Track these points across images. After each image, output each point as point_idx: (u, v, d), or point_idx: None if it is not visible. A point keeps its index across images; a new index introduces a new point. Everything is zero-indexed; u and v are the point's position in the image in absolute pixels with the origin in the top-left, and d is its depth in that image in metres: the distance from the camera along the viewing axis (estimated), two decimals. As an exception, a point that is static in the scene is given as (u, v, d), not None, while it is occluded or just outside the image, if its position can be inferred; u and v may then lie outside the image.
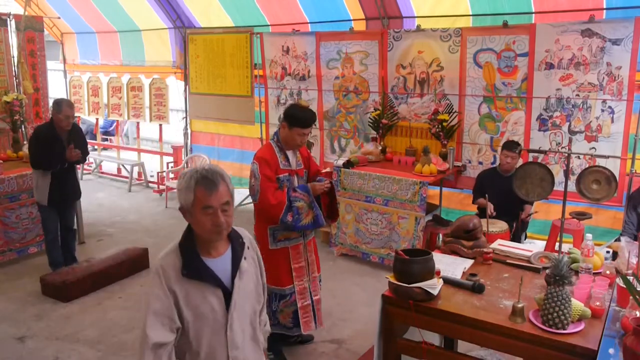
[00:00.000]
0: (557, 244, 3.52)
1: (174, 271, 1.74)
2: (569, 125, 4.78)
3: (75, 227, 5.15)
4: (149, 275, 1.74)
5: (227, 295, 1.79)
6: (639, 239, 2.82)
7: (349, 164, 5.28)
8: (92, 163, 9.39)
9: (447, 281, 2.61)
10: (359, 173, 5.19)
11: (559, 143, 4.84)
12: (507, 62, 4.96)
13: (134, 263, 5.01)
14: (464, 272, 2.76)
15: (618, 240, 3.87)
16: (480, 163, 5.32)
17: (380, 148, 5.66)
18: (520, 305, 2.25)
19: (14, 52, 6.67)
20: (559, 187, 3.88)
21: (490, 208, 4.11)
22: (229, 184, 1.77)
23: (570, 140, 3.84)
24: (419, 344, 2.48)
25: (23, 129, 6.32)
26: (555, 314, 2.15)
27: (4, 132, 6.31)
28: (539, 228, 5.24)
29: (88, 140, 4.98)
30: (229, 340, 1.80)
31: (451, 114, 5.32)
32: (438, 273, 2.56)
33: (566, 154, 3.38)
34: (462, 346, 3.20)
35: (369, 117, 5.83)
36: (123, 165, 8.83)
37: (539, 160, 4.74)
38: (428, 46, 5.37)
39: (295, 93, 6.47)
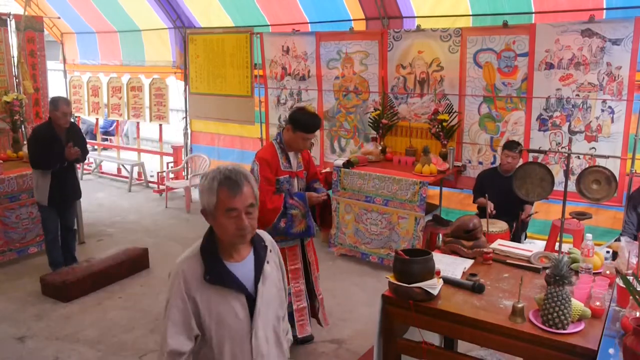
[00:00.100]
0: (557, 244, 3.52)
1: (195, 276, 1.67)
2: (569, 125, 4.78)
3: (75, 227, 5.15)
4: (169, 279, 1.71)
5: (250, 301, 1.71)
6: (639, 239, 2.82)
7: (349, 164, 5.28)
8: (92, 163, 9.39)
9: (447, 281, 2.61)
10: (359, 173, 5.19)
11: (559, 143, 4.84)
12: (507, 62, 4.96)
13: (134, 263, 5.01)
14: (464, 272, 2.76)
15: (618, 240, 3.87)
16: (480, 163, 5.32)
17: (380, 148, 5.66)
18: (520, 305, 2.25)
19: (14, 52, 6.67)
20: (559, 187, 3.88)
21: (490, 207, 4.11)
22: (253, 185, 1.69)
23: (570, 140, 3.85)
24: (419, 344, 2.48)
25: (23, 129, 6.32)
26: (555, 314, 2.14)
27: (4, 132, 6.31)
28: (539, 228, 5.24)
29: (88, 141, 4.98)
30: (254, 349, 1.72)
31: (451, 114, 5.32)
32: (438, 273, 2.56)
33: (566, 154, 3.38)
34: (462, 346, 3.20)
35: (369, 117, 5.83)
36: (123, 165, 8.83)
37: (539, 160, 4.74)
38: (428, 46, 5.37)
39: (295, 93, 6.47)
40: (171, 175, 8.02)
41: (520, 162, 4.52)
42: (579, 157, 4.73)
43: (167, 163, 8.09)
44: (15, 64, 6.66)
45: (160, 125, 8.15)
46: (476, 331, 2.31)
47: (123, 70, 8.60)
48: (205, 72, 7.29)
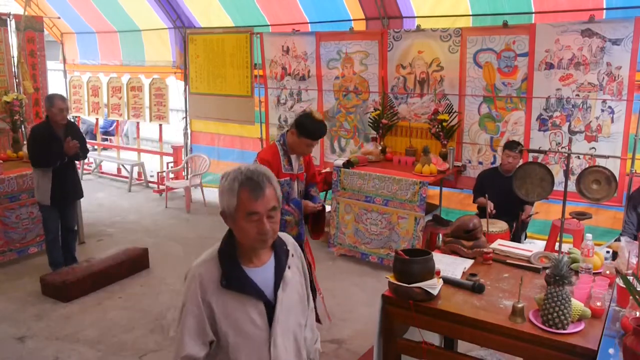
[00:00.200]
0: (557, 244, 3.52)
1: (212, 281, 1.59)
2: (569, 125, 4.78)
3: (76, 228, 5.15)
4: (185, 281, 1.66)
5: (269, 308, 1.63)
6: (639, 239, 2.82)
7: (349, 164, 5.28)
8: (92, 163, 9.39)
9: (447, 281, 2.61)
10: (359, 173, 5.19)
11: (559, 143, 4.84)
12: (507, 62, 4.96)
13: (134, 263, 5.01)
14: (464, 272, 2.76)
15: (618, 240, 3.87)
16: (480, 163, 5.32)
17: (380, 148, 5.66)
18: (520, 305, 2.25)
19: (14, 52, 6.67)
20: (559, 187, 3.88)
21: (490, 206, 4.11)
22: (276, 187, 1.60)
23: (570, 140, 3.85)
24: (419, 344, 2.48)
25: (23, 129, 6.32)
26: (555, 314, 2.15)
27: (4, 132, 6.31)
28: (539, 228, 5.24)
29: (88, 141, 4.97)
30: (273, 358, 1.63)
31: (451, 114, 5.32)
32: (438, 273, 2.56)
33: (566, 154, 3.38)
34: (462, 346, 3.20)
35: (369, 117, 5.83)
36: (123, 165, 8.83)
37: (539, 160, 4.74)
38: (428, 46, 5.37)
39: (295, 93, 6.47)
40: (171, 175, 8.02)
41: (521, 162, 4.52)
42: (579, 157, 4.73)
43: (167, 163, 8.09)
44: (15, 64, 6.66)
45: (160, 125, 8.15)
46: (476, 331, 2.31)
47: (123, 70, 8.60)
48: (205, 72, 7.29)
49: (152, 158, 8.85)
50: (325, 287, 4.06)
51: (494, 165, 5.10)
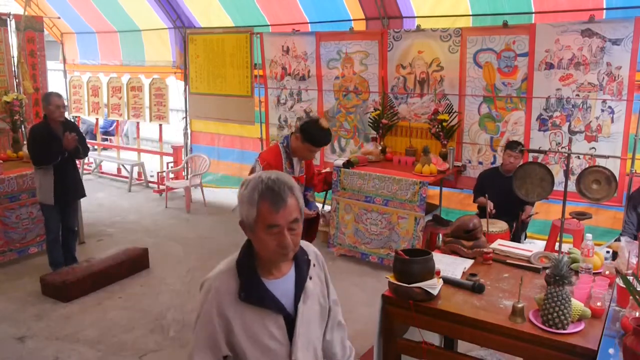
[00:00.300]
0: (557, 244, 3.52)
1: (229, 294, 1.52)
2: (569, 125, 4.79)
3: (76, 228, 5.15)
4: (200, 291, 1.62)
5: (289, 321, 1.56)
6: (639, 239, 2.82)
7: (349, 164, 5.28)
8: (92, 163, 9.39)
9: (447, 281, 2.61)
10: (359, 173, 5.19)
11: (559, 143, 4.84)
12: (507, 62, 4.96)
13: (134, 263, 5.01)
14: (464, 272, 2.76)
15: (618, 240, 3.87)
16: (480, 163, 5.32)
17: (380, 148, 5.66)
18: (520, 305, 2.25)
19: (14, 52, 6.67)
20: (559, 187, 3.88)
21: (490, 206, 4.11)
22: (298, 197, 1.51)
23: (570, 140, 3.85)
24: (419, 344, 2.48)
25: (23, 129, 6.32)
26: (555, 314, 2.15)
27: (4, 132, 6.31)
28: (539, 228, 5.24)
29: (88, 141, 4.97)
30: None
31: (451, 114, 5.32)
32: (438, 273, 2.56)
33: (566, 154, 3.38)
34: (462, 346, 3.20)
35: (369, 117, 5.83)
36: (123, 165, 8.83)
37: (539, 160, 4.74)
38: (428, 46, 5.37)
39: (295, 93, 6.47)
40: (171, 175, 8.02)
41: (521, 162, 4.52)
42: (579, 157, 4.73)
43: (167, 163, 8.09)
44: (15, 64, 6.66)
45: (160, 125, 8.15)
46: (476, 331, 2.31)
47: (123, 70, 8.60)
48: (205, 72, 7.29)
49: (152, 158, 8.85)
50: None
51: (494, 165, 5.10)
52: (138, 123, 8.61)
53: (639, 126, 4.45)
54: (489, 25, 5.13)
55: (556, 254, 2.95)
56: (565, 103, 4.77)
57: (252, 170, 3.30)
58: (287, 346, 1.56)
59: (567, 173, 3.36)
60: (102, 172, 9.25)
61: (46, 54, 7.13)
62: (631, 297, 1.99)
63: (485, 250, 2.94)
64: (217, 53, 7.06)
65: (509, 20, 4.90)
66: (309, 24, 6.39)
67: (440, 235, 4.79)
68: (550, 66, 4.76)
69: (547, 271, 2.28)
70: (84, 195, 4.99)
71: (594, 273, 2.63)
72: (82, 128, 10.08)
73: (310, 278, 1.63)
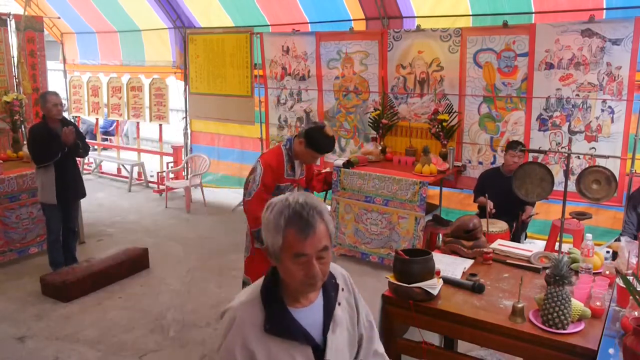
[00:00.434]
0: (557, 244, 3.52)
1: (254, 326, 1.41)
2: (569, 125, 4.79)
3: (77, 228, 5.16)
4: (221, 319, 1.49)
5: (318, 352, 1.46)
6: (639, 239, 2.82)
7: (349, 164, 5.28)
8: (92, 163, 9.40)
9: (447, 281, 2.61)
10: (359, 173, 5.19)
11: (559, 143, 4.84)
12: (507, 62, 4.96)
13: (134, 263, 5.01)
14: (464, 272, 2.76)
15: (618, 240, 3.87)
16: (480, 163, 5.32)
17: (380, 148, 5.66)
18: (520, 305, 2.25)
19: (14, 52, 6.67)
20: (559, 187, 3.87)
21: (490, 205, 4.11)
22: (328, 222, 1.40)
23: (570, 140, 3.84)
24: (419, 344, 2.48)
25: (23, 129, 6.32)
26: (555, 314, 2.15)
27: (4, 132, 6.31)
28: (539, 228, 5.24)
29: (88, 141, 4.97)
30: None
31: (451, 114, 5.32)
32: (438, 273, 2.56)
33: (566, 154, 3.38)
34: (462, 346, 3.20)
35: (369, 117, 5.83)
36: (123, 165, 8.83)
37: (539, 160, 4.74)
38: (428, 46, 5.37)
39: (295, 93, 6.47)
40: (171, 175, 8.02)
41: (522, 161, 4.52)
42: (579, 157, 4.73)
43: (167, 163, 8.09)
44: (15, 64, 6.66)
45: (160, 125, 8.15)
46: (476, 331, 2.31)
47: (123, 70, 8.60)
48: (205, 72, 7.29)
49: (152, 158, 8.85)
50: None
51: (495, 166, 5.09)
52: (138, 123, 8.61)
53: (639, 126, 4.45)
54: (489, 25, 5.13)
55: (556, 254, 2.95)
56: (565, 103, 4.77)
57: (253, 171, 3.29)
58: None
59: (567, 173, 3.36)
60: (102, 172, 9.25)
61: (46, 54, 7.13)
62: (631, 297, 1.99)
63: (485, 250, 2.94)
64: (217, 53, 7.06)
65: (509, 20, 4.89)
66: (309, 24, 6.39)
67: (440, 235, 4.79)
68: (550, 66, 4.76)
69: (547, 271, 2.28)
70: (84, 194, 4.99)
71: (594, 273, 2.63)
72: (82, 128, 10.09)
73: (339, 304, 1.53)
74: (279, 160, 3.31)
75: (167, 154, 8.20)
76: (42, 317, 4.19)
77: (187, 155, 8.03)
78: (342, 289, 1.57)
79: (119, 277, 4.84)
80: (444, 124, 5.21)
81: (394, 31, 5.56)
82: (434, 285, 2.42)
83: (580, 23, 4.55)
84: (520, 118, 5.02)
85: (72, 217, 4.92)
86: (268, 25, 6.77)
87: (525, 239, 4.87)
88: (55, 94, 4.62)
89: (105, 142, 10.30)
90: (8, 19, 6.54)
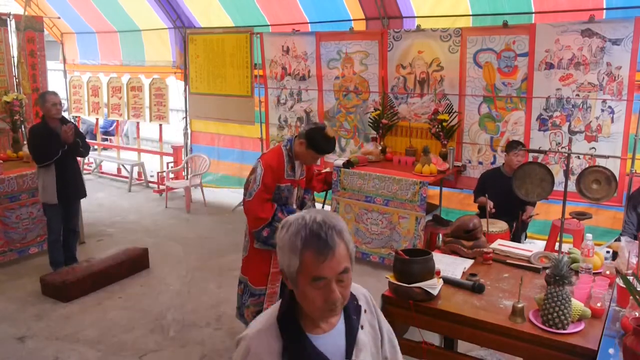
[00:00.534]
0: (557, 244, 3.52)
1: (272, 354, 1.31)
2: (569, 125, 4.78)
3: (78, 229, 5.16)
4: (236, 348, 1.41)
5: None
6: (639, 239, 2.82)
7: (349, 164, 5.28)
8: (92, 163, 9.40)
9: (447, 281, 2.61)
10: (359, 173, 5.19)
11: (559, 143, 4.84)
12: (507, 62, 4.96)
13: (134, 263, 5.01)
14: (464, 272, 2.76)
15: (618, 240, 3.87)
16: (480, 163, 5.32)
17: (380, 148, 5.66)
18: (520, 305, 2.25)
19: (14, 52, 6.67)
20: (559, 187, 3.88)
21: (490, 205, 4.10)
22: (348, 242, 1.30)
23: (570, 140, 3.84)
24: (419, 344, 2.48)
25: (23, 129, 6.33)
26: (555, 314, 2.15)
27: (4, 132, 6.31)
28: (539, 228, 5.24)
29: (88, 141, 4.98)
30: None
31: (451, 114, 5.32)
32: (438, 273, 2.56)
33: (566, 154, 3.38)
34: (462, 346, 3.20)
35: (369, 117, 5.83)
36: (123, 165, 8.83)
37: (539, 160, 4.74)
38: (428, 46, 5.37)
39: (295, 93, 6.47)
40: (171, 175, 8.02)
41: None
42: (579, 157, 4.73)
43: (167, 163, 8.09)
44: (15, 64, 6.66)
45: (160, 125, 8.15)
46: (476, 331, 2.31)
47: (123, 70, 8.60)
48: (205, 72, 7.29)
49: (152, 158, 8.85)
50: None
51: (495, 166, 5.09)
52: (138, 123, 8.61)
53: (639, 126, 4.45)
54: (489, 25, 5.13)
55: (556, 254, 2.95)
56: (565, 103, 4.77)
57: (253, 171, 3.29)
58: None
59: (567, 173, 3.36)
60: (102, 172, 9.25)
61: (46, 54, 7.13)
62: (631, 297, 1.99)
63: (485, 250, 2.94)
64: (217, 53, 7.06)
65: (509, 20, 4.89)
66: (309, 24, 6.39)
67: (440, 235, 4.79)
68: (550, 66, 4.75)
69: (547, 271, 2.28)
70: (85, 194, 4.99)
71: (594, 273, 2.63)
72: (82, 128, 10.10)
73: (362, 327, 1.43)
74: (279, 160, 3.31)
75: (167, 154, 8.20)
76: (42, 317, 4.19)
77: (187, 155, 8.03)
78: (365, 311, 1.47)
79: (119, 277, 4.84)
80: (444, 124, 5.21)
81: (394, 31, 5.56)
82: (434, 285, 2.42)
83: (580, 23, 4.55)
84: (520, 118, 5.02)
85: (73, 217, 4.92)
86: (268, 25, 6.77)
87: (525, 239, 4.87)
88: (55, 93, 4.64)
89: (105, 142, 10.30)
90: (8, 19, 6.54)
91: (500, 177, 4.65)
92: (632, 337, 1.90)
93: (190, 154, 7.96)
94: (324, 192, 5.25)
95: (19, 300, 4.47)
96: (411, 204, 4.88)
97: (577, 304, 2.23)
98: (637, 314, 2.07)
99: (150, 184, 8.44)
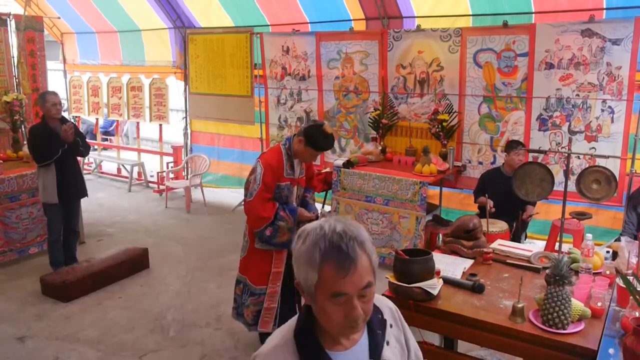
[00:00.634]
0: (557, 244, 3.52)
1: None
2: (569, 125, 4.78)
3: (78, 229, 5.16)
4: None
5: None
6: (639, 239, 2.82)
7: (349, 164, 5.28)
8: (92, 163, 9.40)
9: (447, 281, 2.61)
10: (359, 173, 5.19)
11: (559, 143, 4.84)
12: (507, 62, 4.96)
13: (134, 263, 5.01)
14: (464, 272, 2.76)
15: (618, 240, 3.87)
16: (480, 163, 5.32)
17: (380, 148, 5.66)
18: (520, 305, 2.25)
19: (14, 52, 6.67)
20: (559, 187, 3.87)
21: (489, 203, 4.10)
22: (371, 254, 1.19)
23: (570, 140, 3.84)
24: (419, 344, 2.47)
25: (23, 129, 6.33)
26: (555, 314, 2.15)
27: (4, 132, 6.32)
28: (539, 228, 5.24)
29: (88, 141, 4.98)
30: None
31: (451, 114, 5.32)
32: (438, 273, 2.56)
33: (566, 154, 3.38)
34: (462, 346, 3.20)
35: (369, 117, 5.83)
36: (123, 165, 8.83)
37: (539, 160, 4.74)
38: (428, 46, 5.37)
39: (295, 93, 6.47)
40: (171, 175, 8.02)
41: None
42: (579, 157, 4.73)
43: (167, 163, 8.09)
44: (15, 64, 6.66)
45: (160, 125, 8.15)
46: (476, 331, 2.31)
47: (123, 70, 8.60)
48: (205, 72, 7.29)
49: (152, 158, 8.85)
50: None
51: (495, 166, 5.09)
52: (138, 123, 8.61)
53: (639, 126, 4.45)
54: (489, 25, 5.12)
55: (556, 254, 2.95)
56: (565, 103, 4.77)
57: (253, 172, 3.29)
58: None
59: (567, 173, 3.36)
60: (102, 172, 9.25)
61: (46, 54, 7.13)
62: (631, 297, 1.99)
63: (485, 250, 2.94)
64: (217, 53, 7.06)
65: (509, 20, 4.89)
66: (309, 24, 6.39)
67: (440, 235, 4.79)
68: (550, 66, 4.75)
69: (547, 271, 2.28)
70: (86, 194, 4.99)
71: (594, 273, 2.63)
72: (82, 128, 10.10)
73: (388, 343, 1.32)
74: (279, 159, 3.32)
75: (167, 154, 8.20)
76: (42, 317, 4.19)
77: (187, 155, 8.03)
78: (391, 325, 1.36)
79: (119, 277, 4.84)
80: (444, 124, 5.21)
81: (394, 31, 5.55)
82: (434, 285, 2.42)
83: (580, 23, 4.55)
84: (520, 118, 5.02)
85: (73, 216, 4.92)
86: (268, 25, 6.77)
87: (525, 239, 4.87)
88: (55, 93, 4.64)
89: (105, 142, 10.30)
90: (8, 19, 6.54)
91: (500, 177, 4.65)
92: (632, 337, 1.90)
93: (190, 154, 7.96)
94: (324, 192, 5.26)
95: (19, 300, 4.47)
96: (411, 204, 4.88)
97: (577, 304, 2.23)
98: (637, 314, 2.07)
99: (150, 184, 8.44)
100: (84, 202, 5.22)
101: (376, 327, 1.30)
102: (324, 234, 1.15)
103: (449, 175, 5.30)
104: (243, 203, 3.49)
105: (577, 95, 4.69)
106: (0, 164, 5.20)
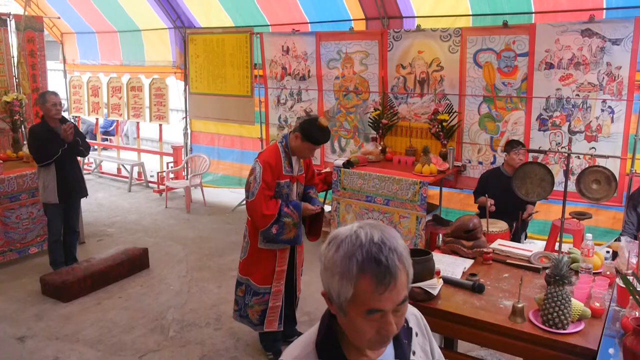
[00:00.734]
0: (557, 244, 3.52)
1: None
2: (569, 125, 4.78)
3: (78, 229, 5.16)
4: None
5: None
6: (639, 239, 2.82)
7: (349, 164, 5.28)
8: (92, 163, 9.40)
9: (447, 281, 2.61)
10: (359, 173, 5.18)
11: (559, 143, 4.84)
12: (507, 62, 4.96)
13: (133, 263, 5.01)
14: (464, 272, 2.76)
15: (618, 240, 3.87)
16: (480, 163, 5.32)
17: (380, 148, 5.66)
18: (520, 305, 2.25)
19: (14, 52, 6.67)
20: (559, 187, 3.88)
21: (490, 202, 4.09)
22: (408, 267, 1.14)
23: (570, 140, 3.84)
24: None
25: (23, 129, 6.33)
26: (555, 314, 2.15)
27: (4, 132, 6.32)
28: (539, 228, 5.24)
29: (88, 141, 4.98)
30: None
31: (451, 114, 5.32)
32: (438, 273, 2.56)
33: (566, 154, 3.38)
34: (462, 346, 3.20)
35: (369, 117, 5.83)
36: (123, 165, 8.83)
37: (539, 160, 4.74)
38: (428, 46, 5.37)
39: (295, 93, 6.47)
40: (171, 175, 8.02)
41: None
42: (579, 157, 4.73)
43: (167, 163, 8.10)
44: (15, 64, 6.66)
45: (160, 125, 8.15)
46: (476, 331, 2.31)
47: (123, 70, 8.60)
48: (205, 72, 7.29)
49: (152, 158, 8.85)
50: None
51: (495, 166, 5.09)
52: (138, 123, 8.61)
53: (639, 126, 4.45)
54: (489, 25, 5.12)
55: (556, 254, 2.95)
56: (565, 103, 4.77)
57: (252, 172, 3.29)
58: None
59: (567, 173, 3.36)
60: (102, 172, 9.25)
61: (46, 54, 7.13)
62: (631, 297, 1.99)
63: (485, 250, 2.94)
64: (217, 53, 7.06)
65: (509, 20, 4.89)
66: (309, 24, 6.39)
67: (440, 235, 4.79)
68: (550, 66, 4.75)
69: (547, 271, 2.28)
70: (86, 194, 4.99)
71: (594, 273, 2.64)
72: (82, 128, 10.10)
73: (414, 353, 1.26)
74: (277, 157, 3.32)
75: (167, 154, 8.20)
76: (42, 317, 4.19)
77: (187, 155, 8.03)
78: (416, 334, 1.30)
79: (119, 277, 4.84)
80: (444, 124, 5.21)
81: (394, 31, 5.55)
82: (434, 285, 2.42)
83: (580, 23, 4.55)
84: (520, 118, 5.01)
85: (73, 216, 4.92)
86: (268, 25, 6.77)
87: (525, 239, 4.87)
88: (55, 93, 4.65)
89: (105, 142, 10.30)
90: (8, 19, 6.54)
91: (500, 177, 4.65)
92: (632, 337, 1.90)
93: (190, 154, 7.97)
94: (324, 192, 5.25)
95: (19, 300, 4.47)
96: (411, 204, 4.88)
97: (577, 304, 2.23)
98: (637, 314, 2.08)
99: (150, 184, 8.44)
100: (84, 202, 5.22)
101: (403, 337, 1.23)
102: (360, 244, 1.05)
103: (449, 175, 5.30)
104: (245, 205, 3.48)
105: (577, 95, 4.69)
106: (0, 164, 5.20)
